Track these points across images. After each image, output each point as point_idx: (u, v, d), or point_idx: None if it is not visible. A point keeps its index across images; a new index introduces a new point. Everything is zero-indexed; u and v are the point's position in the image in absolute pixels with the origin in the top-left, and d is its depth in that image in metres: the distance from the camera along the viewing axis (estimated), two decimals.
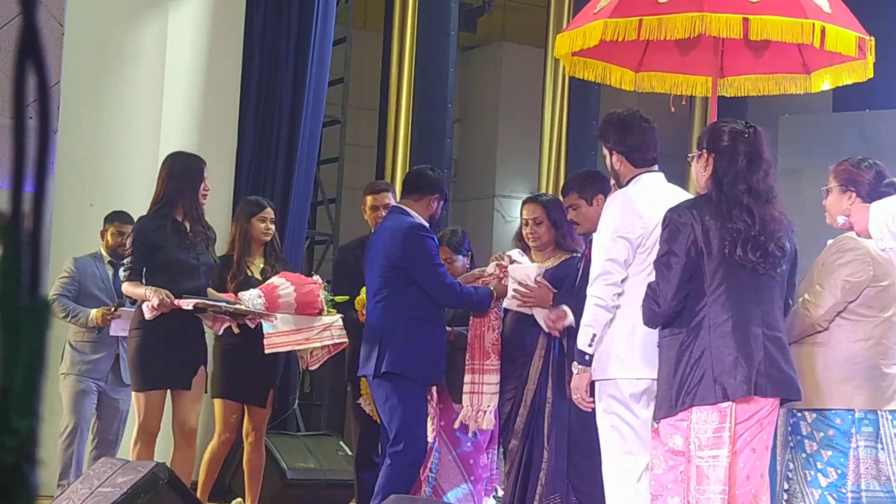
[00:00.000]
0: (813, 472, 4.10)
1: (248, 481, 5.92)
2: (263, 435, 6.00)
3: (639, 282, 4.02)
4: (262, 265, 5.80)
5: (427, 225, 5.13)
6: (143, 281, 5.30)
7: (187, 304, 5.13)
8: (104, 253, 6.50)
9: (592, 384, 4.20)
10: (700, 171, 3.97)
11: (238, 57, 7.83)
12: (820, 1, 4.94)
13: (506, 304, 4.99)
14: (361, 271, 5.32)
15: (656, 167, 4.35)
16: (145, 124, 7.17)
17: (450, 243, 5.57)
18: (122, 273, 5.58)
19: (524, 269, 4.93)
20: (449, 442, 5.38)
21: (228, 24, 7.71)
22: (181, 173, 5.40)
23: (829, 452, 4.08)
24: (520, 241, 5.27)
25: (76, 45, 7.17)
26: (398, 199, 5.51)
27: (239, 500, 6.47)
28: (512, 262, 5.05)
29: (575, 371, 4.23)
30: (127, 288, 5.38)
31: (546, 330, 4.81)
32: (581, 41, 5.05)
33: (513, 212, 11.92)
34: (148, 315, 5.18)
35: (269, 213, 5.87)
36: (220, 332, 5.49)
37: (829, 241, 4.32)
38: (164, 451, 5.49)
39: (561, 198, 5.05)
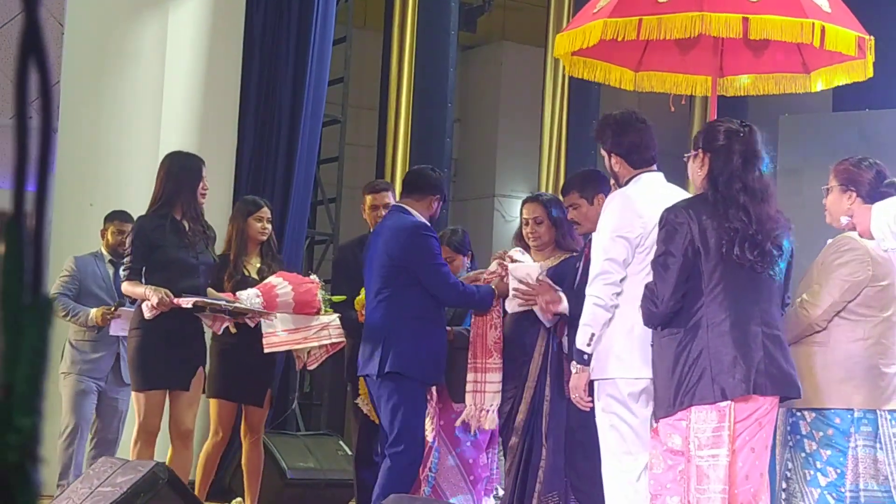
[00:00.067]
0: (812, 472, 4.10)
1: (248, 481, 5.92)
2: (262, 434, 6.00)
3: (638, 281, 4.02)
4: (258, 264, 5.80)
5: (429, 224, 5.14)
6: (143, 280, 5.30)
7: (187, 302, 5.13)
8: (104, 252, 6.50)
9: (591, 383, 4.20)
10: (696, 171, 3.97)
11: (238, 57, 7.83)
12: (820, 0, 4.94)
13: (508, 307, 4.99)
14: (361, 271, 5.32)
15: (655, 167, 4.35)
16: (145, 124, 7.17)
17: (450, 243, 5.58)
18: (121, 272, 5.58)
19: (525, 269, 4.93)
20: (448, 442, 5.38)
21: (228, 24, 7.71)
22: (179, 173, 5.40)
23: (829, 452, 4.09)
24: (520, 241, 5.27)
25: (76, 45, 7.18)
26: (398, 199, 5.51)
27: (239, 499, 6.48)
28: (513, 261, 5.05)
29: (574, 370, 4.23)
30: (126, 287, 5.38)
31: (542, 319, 4.82)
32: (581, 41, 5.05)
33: (513, 211, 11.92)
34: (147, 314, 5.18)
35: (266, 212, 5.87)
36: (220, 332, 5.49)
37: (829, 241, 4.32)
38: (163, 450, 5.50)
39: (561, 197, 5.05)
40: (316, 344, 5.45)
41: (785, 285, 3.98)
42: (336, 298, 5.57)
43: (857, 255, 4.17)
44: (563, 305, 4.65)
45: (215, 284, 5.51)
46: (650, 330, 3.96)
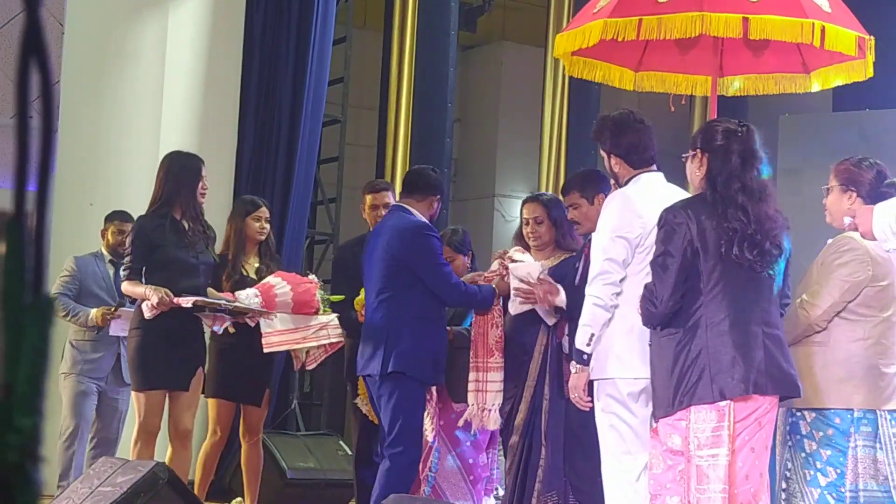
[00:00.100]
0: (812, 472, 4.10)
1: (247, 481, 5.92)
2: (261, 434, 5.99)
3: (637, 281, 4.02)
4: (256, 264, 5.80)
5: (431, 224, 5.14)
6: (143, 280, 5.30)
7: (187, 302, 5.13)
8: (105, 252, 6.50)
9: (591, 383, 4.21)
10: (694, 171, 3.97)
11: (238, 57, 7.83)
12: (820, 0, 4.93)
13: (511, 308, 4.99)
14: (360, 270, 5.32)
15: (654, 167, 4.35)
16: (145, 124, 7.17)
17: (451, 243, 5.58)
18: (121, 272, 5.58)
19: (526, 268, 4.93)
20: (448, 442, 5.38)
21: (228, 24, 7.71)
22: (178, 172, 5.40)
23: (829, 452, 4.09)
24: (520, 241, 5.27)
25: (76, 45, 7.18)
26: (398, 198, 5.51)
27: (239, 499, 6.48)
28: (513, 261, 5.05)
29: (573, 370, 4.23)
30: (126, 287, 5.38)
31: (544, 318, 4.83)
32: (581, 41, 5.05)
33: (513, 211, 11.92)
34: (147, 314, 5.19)
35: (264, 212, 5.87)
36: (220, 331, 5.49)
37: (829, 241, 4.32)
38: (162, 450, 5.50)
39: (561, 197, 5.05)
40: (315, 344, 5.45)
41: (784, 283, 3.98)
42: (334, 298, 5.58)
43: (856, 255, 4.17)
44: (561, 298, 4.66)
45: (214, 284, 5.51)
46: (650, 330, 3.96)
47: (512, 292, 4.93)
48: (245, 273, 5.73)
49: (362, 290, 5.34)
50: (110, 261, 6.46)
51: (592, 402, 4.23)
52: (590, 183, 4.85)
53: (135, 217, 5.74)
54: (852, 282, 4.14)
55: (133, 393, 5.43)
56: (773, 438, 3.96)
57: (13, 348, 0.83)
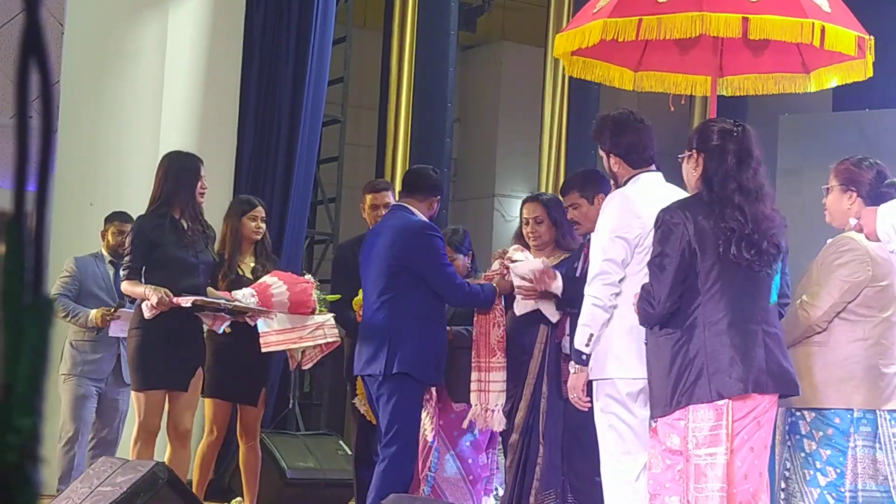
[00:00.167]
0: (812, 472, 4.10)
1: (246, 481, 5.92)
2: (258, 434, 5.99)
3: (636, 282, 4.02)
4: (252, 264, 5.80)
5: (433, 224, 5.15)
6: (143, 280, 5.30)
7: (186, 301, 5.13)
8: (105, 253, 6.50)
9: (590, 383, 4.21)
10: (690, 171, 3.97)
11: (238, 57, 7.83)
12: (819, 0, 4.93)
13: (517, 309, 4.99)
14: (360, 270, 5.32)
15: (654, 167, 4.35)
16: (145, 124, 7.17)
17: (451, 242, 5.58)
18: (121, 272, 5.58)
19: (528, 266, 4.92)
20: (448, 441, 5.38)
21: (228, 24, 7.71)
22: (178, 172, 5.41)
23: (829, 451, 4.09)
24: (520, 240, 5.28)
25: (76, 44, 7.18)
26: (398, 198, 5.51)
27: (239, 499, 6.48)
28: (513, 261, 5.05)
29: (572, 370, 4.23)
30: (126, 287, 5.38)
31: (548, 316, 4.83)
32: (580, 41, 5.05)
33: (513, 211, 11.92)
34: (147, 314, 5.19)
35: (260, 211, 5.87)
36: (220, 331, 5.49)
37: (829, 241, 4.32)
38: (162, 450, 5.50)
39: (561, 197, 5.05)
40: (311, 343, 5.46)
41: (782, 282, 3.98)
42: (331, 298, 5.57)
43: (856, 255, 4.17)
44: (557, 283, 4.65)
45: (210, 284, 5.51)
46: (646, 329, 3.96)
47: (516, 292, 4.93)
48: (241, 272, 5.73)
49: (361, 290, 5.34)
50: (110, 261, 6.46)
51: (591, 402, 4.23)
52: (589, 183, 4.85)
53: (134, 217, 5.75)
54: (852, 282, 4.14)
55: (133, 393, 5.43)
56: (772, 438, 3.96)
57: (13, 348, 0.83)
